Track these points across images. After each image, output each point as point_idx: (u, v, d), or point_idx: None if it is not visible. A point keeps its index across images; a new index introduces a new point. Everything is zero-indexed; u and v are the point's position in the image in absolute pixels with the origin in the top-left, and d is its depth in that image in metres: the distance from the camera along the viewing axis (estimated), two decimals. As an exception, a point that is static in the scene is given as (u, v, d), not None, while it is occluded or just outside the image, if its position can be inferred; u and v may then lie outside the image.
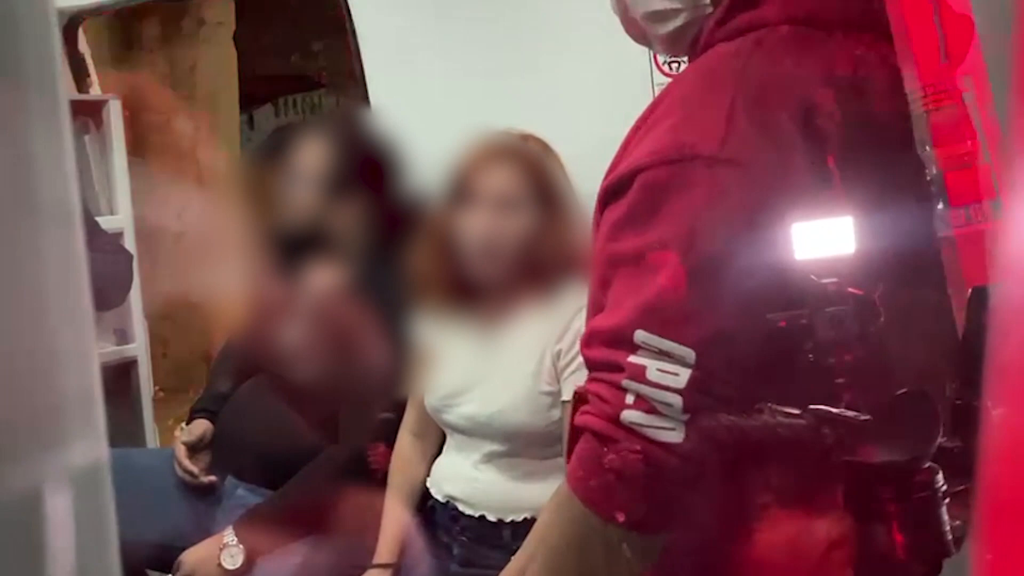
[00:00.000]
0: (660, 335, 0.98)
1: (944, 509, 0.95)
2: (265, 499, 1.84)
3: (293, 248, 1.78)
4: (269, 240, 1.84)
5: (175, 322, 3.31)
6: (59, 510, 0.40)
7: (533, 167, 1.64)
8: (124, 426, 2.64)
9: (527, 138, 1.69)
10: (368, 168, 1.84)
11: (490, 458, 1.66)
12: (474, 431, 1.67)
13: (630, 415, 0.99)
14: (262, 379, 1.94)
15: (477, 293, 1.67)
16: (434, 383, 1.72)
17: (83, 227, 0.39)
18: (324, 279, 1.78)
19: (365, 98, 2.26)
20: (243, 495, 1.89)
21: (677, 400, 0.98)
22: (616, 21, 1.22)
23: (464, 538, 1.68)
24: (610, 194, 1.07)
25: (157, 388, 3.02)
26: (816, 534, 0.89)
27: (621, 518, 1.02)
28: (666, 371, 0.98)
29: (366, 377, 1.74)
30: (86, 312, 0.39)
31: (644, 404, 0.99)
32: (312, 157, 1.84)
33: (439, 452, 1.77)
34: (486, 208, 1.62)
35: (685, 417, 0.98)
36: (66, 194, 0.38)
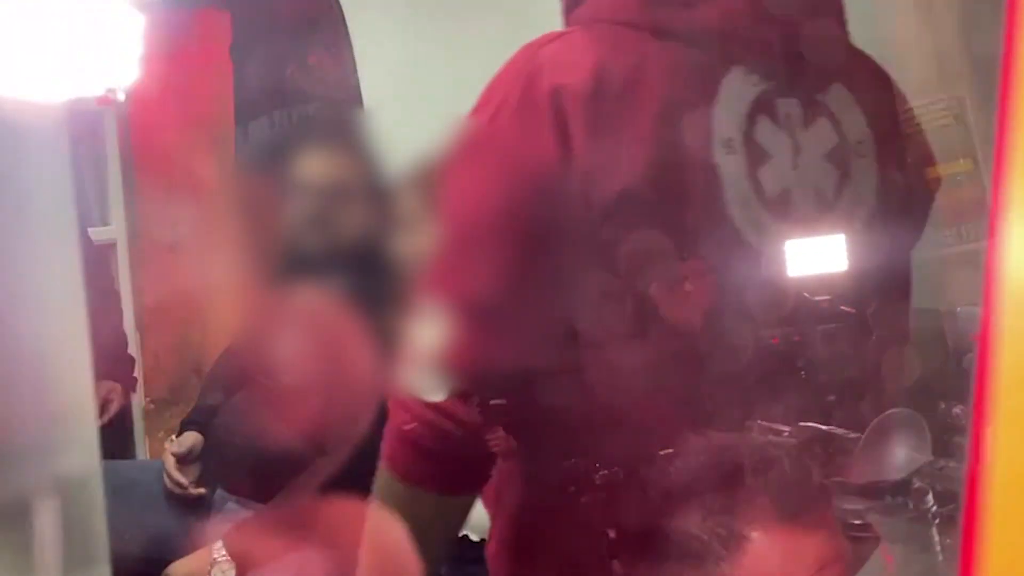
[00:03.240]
0: (429, 294, 1.06)
1: (934, 529, 0.95)
2: (255, 512, 1.83)
3: (297, 259, 1.77)
4: (272, 251, 1.83)
5: (167, 334, 3.30)
6: (48, 519, 0.40)
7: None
8: (114, 437, 2.63)
9: None
10: (370, 175, 1.83)
11: None
12: None
13: None
14: (253, 391, 1.94)
15: None
16: None
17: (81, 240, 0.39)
18: (317, 289, 1.77)
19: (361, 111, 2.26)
20: (233, 508, 1.88)
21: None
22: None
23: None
24: None
25: (148, 400, 3.00)
26: (807, 553, 0.89)
27: (399, 472, 1.08)
28: (428, 330, 1.05)
29: (357, 388, 1.73)
30: (81, 323, 0.39)
31: None
32: (318, 167, 1.83)
33: None
34: None
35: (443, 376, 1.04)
36: (63, 205, 0.38)
